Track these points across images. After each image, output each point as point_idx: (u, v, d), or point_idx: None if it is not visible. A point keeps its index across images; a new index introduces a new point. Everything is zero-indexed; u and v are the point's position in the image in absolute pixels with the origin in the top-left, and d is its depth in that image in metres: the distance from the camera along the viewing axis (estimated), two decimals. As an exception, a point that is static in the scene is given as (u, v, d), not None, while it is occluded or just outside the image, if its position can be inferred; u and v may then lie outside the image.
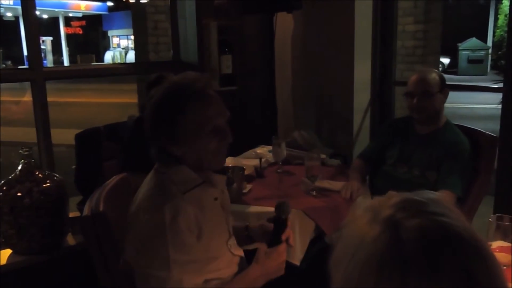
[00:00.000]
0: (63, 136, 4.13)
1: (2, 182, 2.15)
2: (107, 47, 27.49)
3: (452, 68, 16.36)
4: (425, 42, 5.26)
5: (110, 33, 27.91)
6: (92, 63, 18.58)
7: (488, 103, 8.89)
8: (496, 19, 17.12)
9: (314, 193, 2.10)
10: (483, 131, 2.28)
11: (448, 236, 0.51)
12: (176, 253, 1.20)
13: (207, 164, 1.32)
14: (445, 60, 16.19)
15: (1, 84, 2.50)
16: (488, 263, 0.52)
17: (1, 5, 21.11)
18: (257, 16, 3.11)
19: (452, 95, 2.29)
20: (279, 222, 1.39)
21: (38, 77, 2.39)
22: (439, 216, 0.52)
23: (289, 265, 2.01)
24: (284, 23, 3.19)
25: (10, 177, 2.16)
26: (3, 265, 2.14)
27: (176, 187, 1.27)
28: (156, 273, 1.20)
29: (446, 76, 2.36)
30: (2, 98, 11.46)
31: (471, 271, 0.50)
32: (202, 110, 1.25)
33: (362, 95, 3.03)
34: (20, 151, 2.17)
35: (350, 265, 0.53)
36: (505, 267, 1.25)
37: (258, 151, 2.68)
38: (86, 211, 1.32)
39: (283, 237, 1.37)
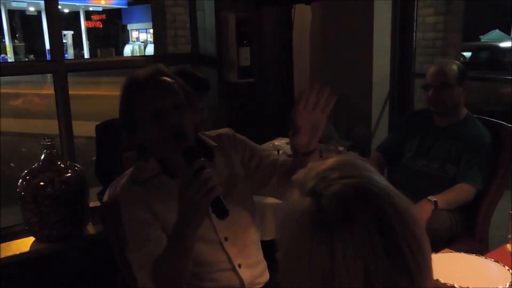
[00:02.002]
0: (83, 128, 4.20)
1: (26, 171, 2.20)
2: (126, 40, 27.73)
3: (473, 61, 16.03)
4: (446, 34, 5.17)
5: (129, 26, 28.14)
6: (112, 56, 18.77)
7: (511, 97, 8.69)
8: (520, 10, 16.70)
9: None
10: (505, 123, 2.24)
11: (359, 192, 0.58)
12: (131, 233, 1.27)
13: (163, 153, 1.32)
14: (467, 53, 15.86)
15: (24, 76, 2.54)
16: (397, 208, 0.57)
17: (25, 0, 21.46)
18: (275, 8, 3.10)
19: (473, 88, 2.25)
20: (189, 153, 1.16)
21: (60, 69, 2.43)
22: (351, 179, 0.59)
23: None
24: (303, 15, 3.17)
25: (33, 166, 2.21)
26: (27, 252, 2.20)
27: (139, 175, 1.33)
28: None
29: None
30: (23, 91, 11.73)
31: (381, 216, 0.56)
32: (137, 98, 1.28)
33: (381, 87, 3.01)
34: (43, 141, 2.22)
35: (286, 238, 0.59)
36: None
37: (276, 143, 2.68)
38: (106, 197, 1.35)
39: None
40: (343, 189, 0.58)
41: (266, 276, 1.48)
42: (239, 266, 1.38)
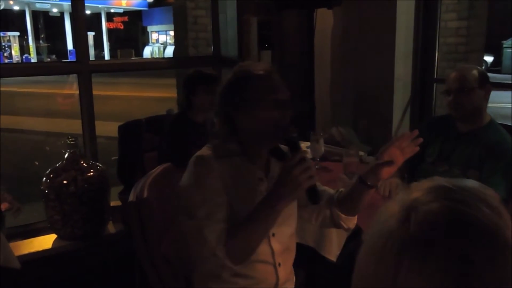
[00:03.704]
0: (103, 128, 4.26)
1: (50, 170, 2.25)
2: (146, 42, 28.04)
3: (495, 67, 15.78)
4: (468, 39, 5.10)
5: (149, 28, 28.45)
6: (132, 57, 19.01)
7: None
8: (545, 16, 16.35)
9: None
10: (530, 130, 2.20)
11: (454, 220, 0.50)
12: (202, 200, 1.28)
13: (262, 136, 1.35)
14: (489, 58, 15.61)
15: (48, 76, 2.58)
16: (496, 256, 0.48)
17: (48, 1, 21.87)
18: (297, 12, 3.11)
19: (495, 94, 2.22)
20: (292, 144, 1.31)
21: (85, 70, 2.47)
22: (457, 203, 0.51)
23: (325, 261, 2.02)
24: (324, 19, 3.17)
25: (57, 165, 2.26)
26: (49, 249, 2.25)
27: (216, 151, 1.36)
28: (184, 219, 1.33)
29: (488, 75, 2.29)
30: (47, 90, 11.95)
31: (467, 257, 0.47)
32: (264, 83, 1.35)
33: (402, 93, 2.98)
34: (67, 140, 2.26)
35: (364, 244, 0.55)
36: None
37: (295, 147, 2.68)
38: (131, 197, 1.37)
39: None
40: (440, 210, 0.51)
41: (292, 282, 1.51)
42: (279, 264, 1.41)
